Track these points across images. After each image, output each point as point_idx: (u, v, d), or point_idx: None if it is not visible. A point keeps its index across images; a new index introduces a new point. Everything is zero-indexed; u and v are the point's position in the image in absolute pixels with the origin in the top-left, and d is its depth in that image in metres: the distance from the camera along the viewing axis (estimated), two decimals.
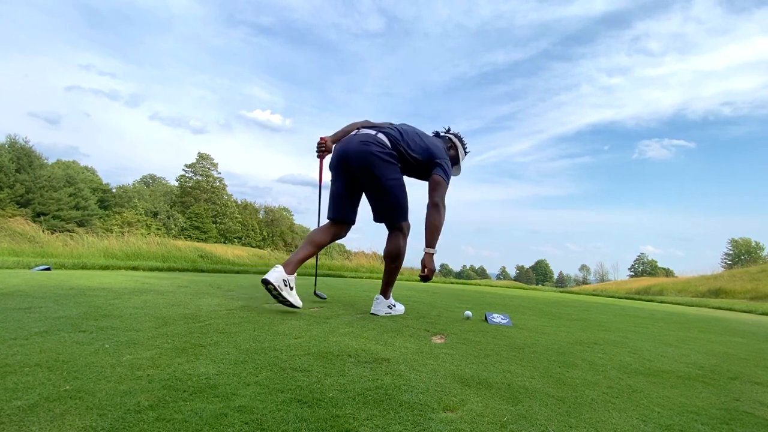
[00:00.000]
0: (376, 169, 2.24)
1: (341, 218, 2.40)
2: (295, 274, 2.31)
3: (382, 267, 11.66)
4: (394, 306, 2.48)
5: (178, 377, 1.09)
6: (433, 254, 2.28)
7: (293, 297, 2.16)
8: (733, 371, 1.79)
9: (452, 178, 2.50)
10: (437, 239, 2.31)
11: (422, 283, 7.49)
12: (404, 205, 2.38)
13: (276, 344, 1.50)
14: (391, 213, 2.37)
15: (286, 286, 2.11)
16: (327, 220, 2.46)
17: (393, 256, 2.42)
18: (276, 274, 2.10)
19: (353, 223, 2.47)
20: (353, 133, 2.40)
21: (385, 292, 2.45)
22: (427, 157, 2.40)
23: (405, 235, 2.45)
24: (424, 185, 2.46)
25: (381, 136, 2.31)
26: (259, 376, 1.15)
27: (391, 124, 2.50)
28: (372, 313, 2.34)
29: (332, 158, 2.41)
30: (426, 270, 2.25)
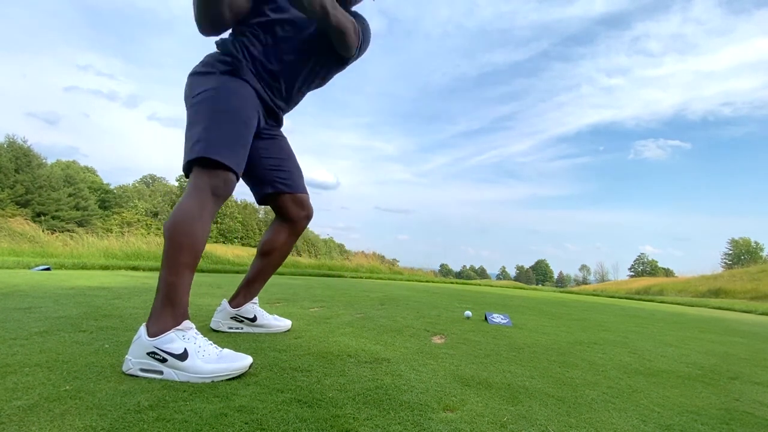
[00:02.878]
0: (186, 93, 1.38)
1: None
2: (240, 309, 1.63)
3: (383, 267, 11.54)
4: (178, 356, 1.13)
5: None
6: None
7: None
8: (733, 371, 1.79)
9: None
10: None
11: (422, 283, 7.46)
12: (204, 127, 1.26)
13: (276, 344, 1.50)
14: (185, 144, 1.30)
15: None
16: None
17: (167, 224, 1.23)
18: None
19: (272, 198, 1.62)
20: None
21: (153, 315, 1.19)
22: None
23: (196, 192, 1.24)
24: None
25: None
26: (259, 376, 1.15)
27: None
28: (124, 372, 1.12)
29: None
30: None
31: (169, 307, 1.18)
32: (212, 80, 1.33)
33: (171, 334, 1.15)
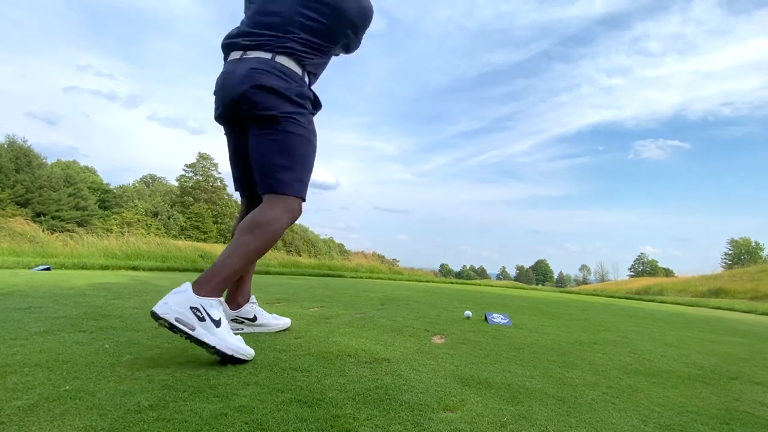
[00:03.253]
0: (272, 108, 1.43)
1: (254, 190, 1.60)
2: (247, 300, 1.67)
3: (383, 267, 11.48)
4: (215, 321, 1.22)
5: (178, 377, 1.09)
6: None
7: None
8: (733, 371, 1.79)
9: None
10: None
11: (422, 283, 7.46)
12: (305, 171, 1.49)
13: (276, 344, 1.50)
14: (284, 171, 1.44)
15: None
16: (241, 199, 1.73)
17: (255, 224, 1.36)
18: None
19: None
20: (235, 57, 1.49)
21: (205, 281, 1.25)
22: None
23: (289, 214, 1.44)
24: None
25: (282, 58, 1.46)
26: (259, 376, 1.15)
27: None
28: (154, 313, 1.15)
29: (215, 104, 1.55)
30: None
31: (222, 286, 1.29)
32: (309, 120, 1.52)
33: (216, 301, 1.25)
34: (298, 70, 1.50)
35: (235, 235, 1.37)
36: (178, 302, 1.18)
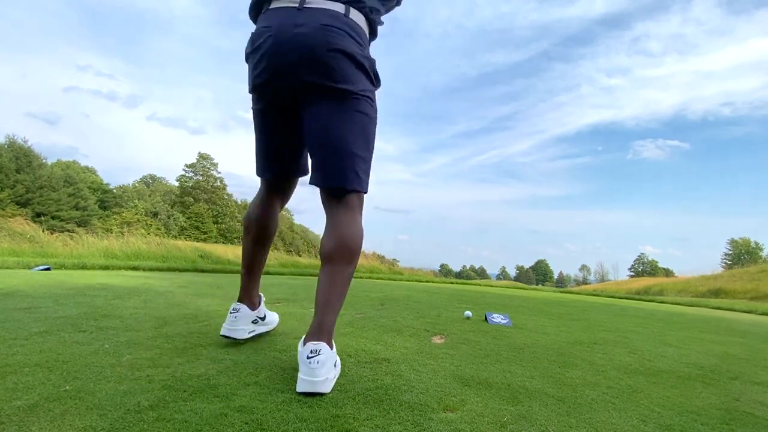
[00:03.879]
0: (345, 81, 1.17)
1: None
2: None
3: (383, 267, 11.41)
4: (336, 366, 1.15)
5: (178, 377, 1.09)
6: None
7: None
8: (733, 371, 1.79)
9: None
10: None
11: (422, 283, 7.46)
12: (370, 164, 1.29)
13: (276, 344, 1.50)
14: (355, 164, 1.22)
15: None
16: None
17: (353, 249, 1.22)
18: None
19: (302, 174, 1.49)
20: (290, 4, 1.16)
21: (332, 324, 1.16)
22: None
23: (361, 212, 1.30)
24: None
25: (356, 14, 1.19)
26: (259, 376, 1.15)
27: None
28: (307, 392, 1.04)
29: (255, 69, 1.22)
30: None
31: (334, 320, 1.19)
32: (376, 106, 1.28)
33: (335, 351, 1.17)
34: (367, 33, 1.22)
35: (329, 262, 1.18)
36: (331, 369, 1.10)
